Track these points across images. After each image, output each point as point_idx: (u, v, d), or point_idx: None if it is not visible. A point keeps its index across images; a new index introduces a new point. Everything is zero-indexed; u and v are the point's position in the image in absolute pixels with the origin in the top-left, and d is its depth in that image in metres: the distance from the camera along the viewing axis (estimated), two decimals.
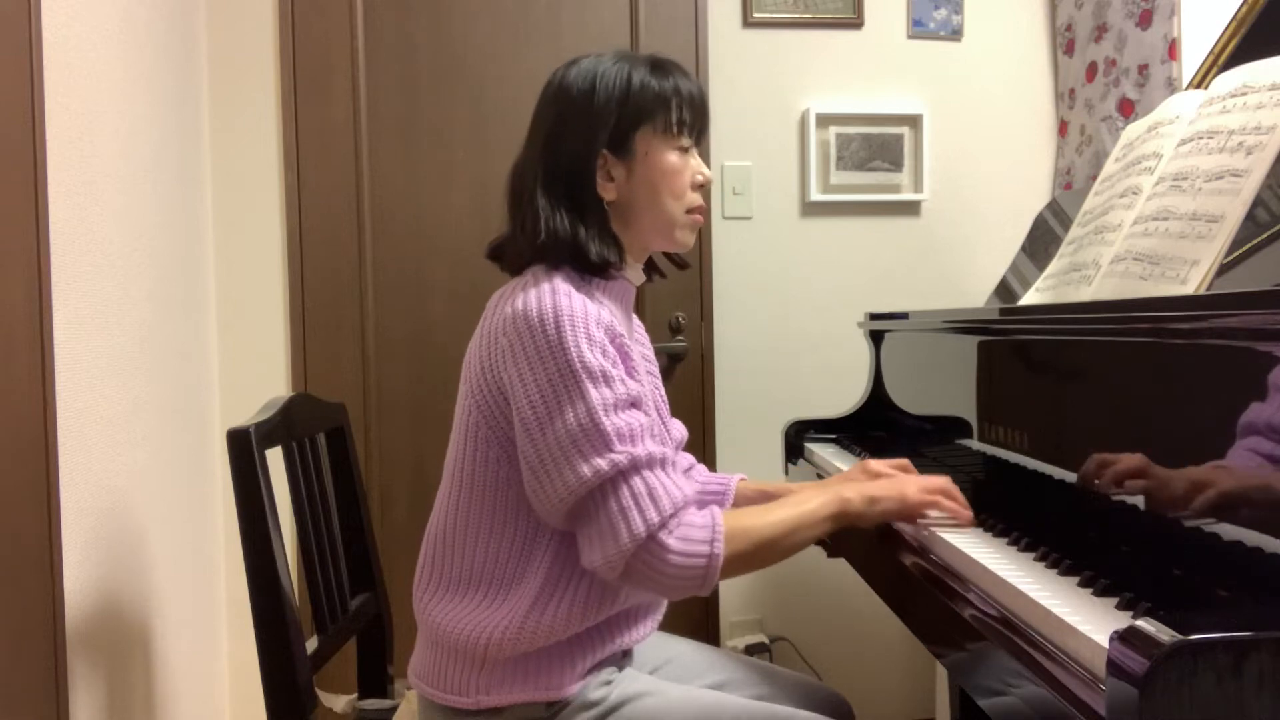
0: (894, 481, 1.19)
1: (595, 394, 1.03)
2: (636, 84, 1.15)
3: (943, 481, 1.20)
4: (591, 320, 1.06)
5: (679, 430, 1.33)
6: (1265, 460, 0.79)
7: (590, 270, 1.14)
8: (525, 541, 1.11)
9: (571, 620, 1.09)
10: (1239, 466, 0.82)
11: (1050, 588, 0.89)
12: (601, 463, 1.02)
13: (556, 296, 1.06)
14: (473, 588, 1.12)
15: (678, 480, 1.07)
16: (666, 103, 1.15)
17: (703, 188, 1.21)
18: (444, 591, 1.14)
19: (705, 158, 1.26)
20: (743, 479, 1.42)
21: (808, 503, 1.12)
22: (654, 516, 1.02)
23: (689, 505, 1.06)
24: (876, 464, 1.31)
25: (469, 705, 1.10)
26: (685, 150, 1.18)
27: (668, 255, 1.30)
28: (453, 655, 1.11)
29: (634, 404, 1.08)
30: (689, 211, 1.19)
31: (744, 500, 1.37)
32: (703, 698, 1.15)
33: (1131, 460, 0.97)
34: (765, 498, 1.34)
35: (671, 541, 1.02)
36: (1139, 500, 0.96)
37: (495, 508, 1.11)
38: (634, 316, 1.31)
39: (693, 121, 1.18)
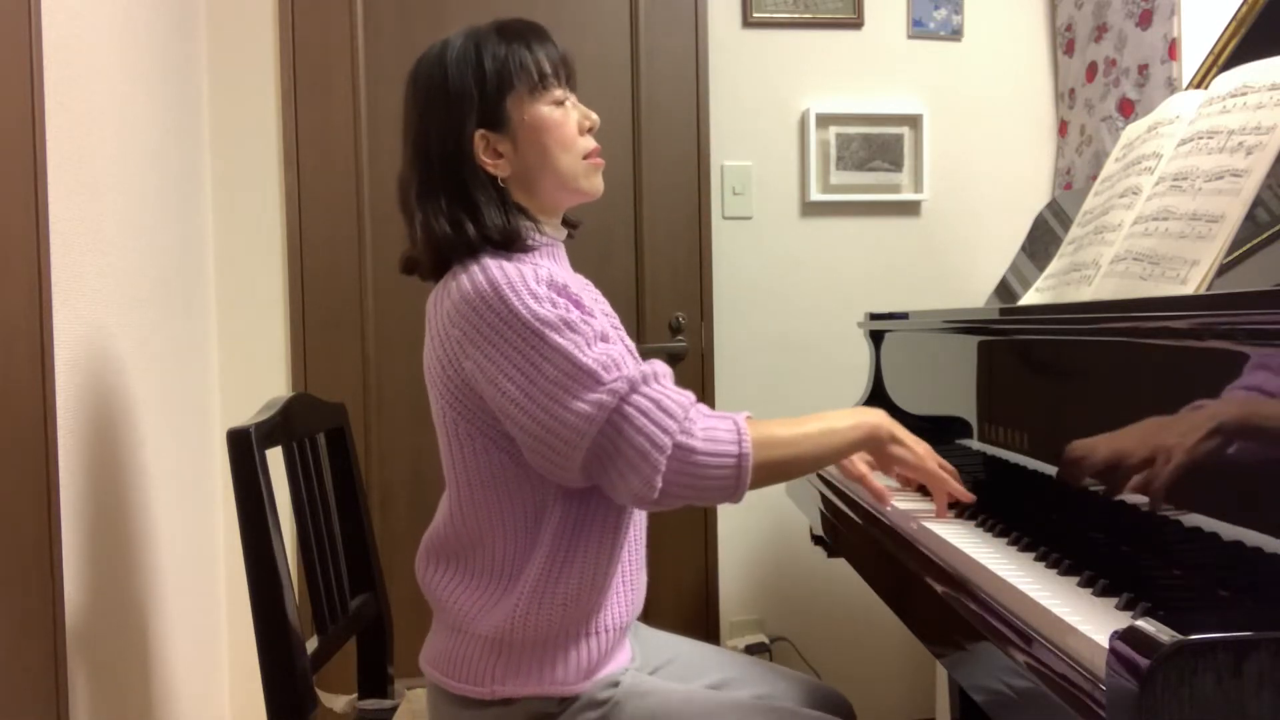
0: (919, 440, 1.20)
1: (563, 340, 1.03)
2: (488, 56, 1.13)
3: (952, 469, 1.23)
4: (530, 279, 1.05)
5: (661, 366, 1.32)
6: (1264, 460, 0.79)
7: (502, 249, 1.12)
8: (532, 520, 1.11)
9: (571, 591, 1.10)
10: (1238, 466, 0.82)
11: (1050, 588, 0.89)
12: (600, 395, 1.01)
13: (488, 271, 1.05)
14: (491, 576, 1.13)
15: (674, 387, 1.06)
16: (525, 63, 1.13)
17: (592, 130, 1.19)
18: (465, 581, 1.14)
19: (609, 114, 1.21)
20: (749, 416, 1.41)
21: (836, 420, 1.13)
22: (671, 424, 1.01)
23: (695, 404, 1.06)
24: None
25: (484, 695, 1.10)
26: (561, 102, 1.16)
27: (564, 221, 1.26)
28: (473, 643, 1.12)
29: (602, 338, 1.07)
30: (585, 158, 1.18)
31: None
32: (704, 697, 1.15)
33: (1129, 456, 0.97)
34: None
35: (697, 443, 1.02)
36: (1139, 500, 0.96)
37: (500, 497, 1.11)
38: (579, 275, 1.28)
39: (556, 71, 1.16)
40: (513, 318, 1.03)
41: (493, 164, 1.13)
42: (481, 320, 1.04)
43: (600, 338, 1.07)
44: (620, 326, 1.25)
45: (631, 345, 1.24)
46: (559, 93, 1.16)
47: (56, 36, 1.32)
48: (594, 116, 1.20)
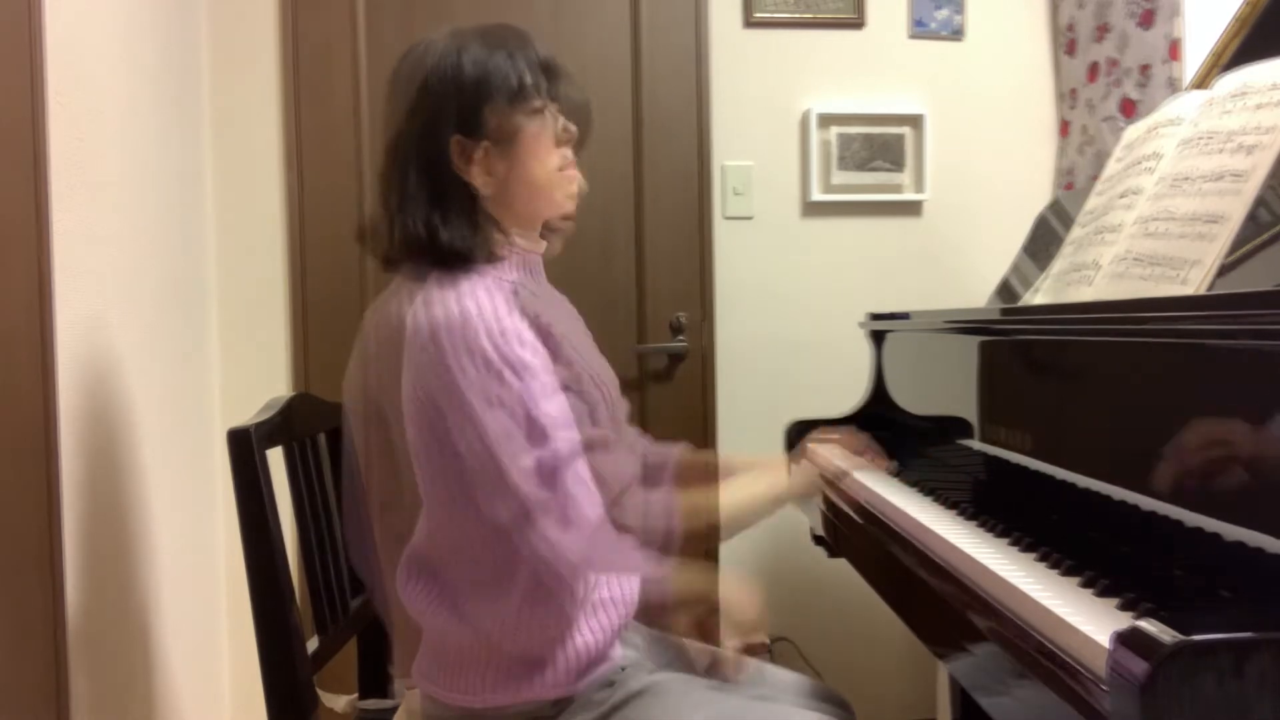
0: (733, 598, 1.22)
1: (519, 385, 1.04)
2: (468, 65, 1.12)
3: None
4: (502, 312, 1.05)
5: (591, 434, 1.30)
6: (1264, 460, 0.79)
7: (455, 265, 1.11)
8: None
9: (557, 606, 1.09)
10: (1239, 466, 0.82)
11: (1052, 588, 0.89)
12: (543, 454, 1.04)
13: (461, 300, 1.05)
14: (475, 589, 1.12)
15: (594, 488, 1.08)
16: (505, 74, 1.12)
17: (569, 142, 1.18)
18: (447, 594, 1.14)
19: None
20: (686, 446, 1.41)
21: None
22: (600, 496, 1.07)
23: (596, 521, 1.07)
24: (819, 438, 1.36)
25: (476, 704, 1.10)
26: (539, 110, 1.15)
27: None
28: (462, 653, 1.11)
29: (557, 391, 1.08)
30: (561, 169, 1.17)
31: (686, 470, 1.37)
32: (703, 697, 1.15)
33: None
34: (700, 470, 1.35)
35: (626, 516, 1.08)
36: (1139, 500, 0.96)
37: (478, 515, 1.09)
38: (552, 288, 1.27)
39: (537, 82, 1.15)
40: (477, 351, 1.03)
41: (465, 169, 1.12)
42: (453, 346, 1.04)
43: (555, 390, 1.08)
44: (594, 346, 1.25)
45: (602, 361, 1.23)
46: (537, 102, 1.15)
47: (58, 35, 1.32)
48: (572, 129, 1.18)
